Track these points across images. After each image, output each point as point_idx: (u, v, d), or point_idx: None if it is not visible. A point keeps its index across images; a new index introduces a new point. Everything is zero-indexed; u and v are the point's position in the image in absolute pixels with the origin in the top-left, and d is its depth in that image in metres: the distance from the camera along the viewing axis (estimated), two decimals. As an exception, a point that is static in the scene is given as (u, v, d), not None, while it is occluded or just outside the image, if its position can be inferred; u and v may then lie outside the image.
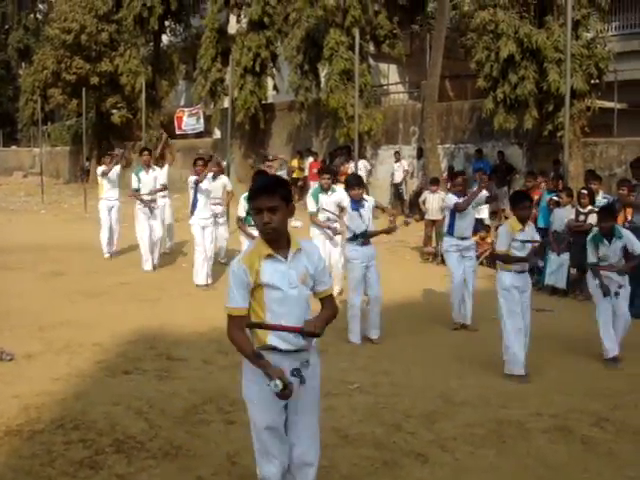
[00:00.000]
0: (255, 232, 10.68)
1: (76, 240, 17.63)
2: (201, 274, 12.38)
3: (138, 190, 14.11)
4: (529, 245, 7.81)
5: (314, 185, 23.62)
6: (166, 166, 16.02)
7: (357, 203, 9.19)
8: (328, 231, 11.38)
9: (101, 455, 5.57)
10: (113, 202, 15.67)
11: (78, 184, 38.51)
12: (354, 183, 9.24)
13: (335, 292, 10.90)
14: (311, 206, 11.37)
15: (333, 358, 8.18)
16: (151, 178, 14.43)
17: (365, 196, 9.43)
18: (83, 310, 10.58)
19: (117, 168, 15.92)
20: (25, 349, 8.38)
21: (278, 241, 4.05)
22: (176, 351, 8.31)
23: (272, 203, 3.95)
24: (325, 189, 11.32)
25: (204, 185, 12.44)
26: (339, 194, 11.06)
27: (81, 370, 7.69)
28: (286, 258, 4.05)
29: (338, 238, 11.37)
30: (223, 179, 14.53)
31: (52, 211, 27.55)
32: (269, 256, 4.03)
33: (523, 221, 7.82)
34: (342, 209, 10.80)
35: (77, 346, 8.56)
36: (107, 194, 15.69)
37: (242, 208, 11.62)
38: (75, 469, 5.35)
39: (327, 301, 4.24)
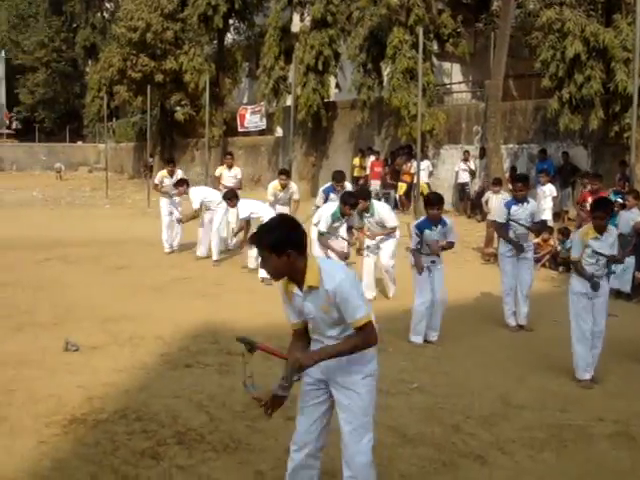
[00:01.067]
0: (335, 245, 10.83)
1: (139, 235, 17.90)
2: None
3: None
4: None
5: (375, 184, 23.74)
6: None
7: (432, 222, 8.84)
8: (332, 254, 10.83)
9: (162, 446, 5.67)
10: (174, 198, 15.87)
11: (141, 180, 39.10)
12: (435, 202, 8.77)
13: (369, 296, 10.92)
14: (322, 226, 10.81)
15: (392, 357, 8.17)
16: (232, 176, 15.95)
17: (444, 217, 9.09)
18: (146, 303, 10.75)
19: (180, 172, 16.38)
20: (90, 341, 8.57)
21: (292, 278, 4.19)
22: (237, 346, 8.33)
23: (262, 253, 4.13)
24: (361, 213, 10.96)
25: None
26: (381, 214, 10.97)
27: (144, 362, 7.82)
28: (302, 292, 4.18)
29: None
30: (292, 188, 14.39)
31: (116, 206, 28.01)
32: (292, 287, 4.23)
33: (599, 229, 7.57)
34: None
35: (140, 339, 8.71)
36: (168, 190, 15.96)
37: (324, 224, 10.81)
38: (137, 459, 5.45)
39: (354, 333, 4.18)
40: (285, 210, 14.03)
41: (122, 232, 19.16)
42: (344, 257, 10.80)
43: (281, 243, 4.04)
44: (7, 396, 6.71)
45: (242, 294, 11.71)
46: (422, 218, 9.14)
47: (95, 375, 7.34)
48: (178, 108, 37.87)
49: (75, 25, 60.21)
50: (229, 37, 37.73)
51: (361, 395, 4.35)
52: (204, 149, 29.48)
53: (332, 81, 28.77)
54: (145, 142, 34.18)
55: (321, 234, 10.81)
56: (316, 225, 10.87)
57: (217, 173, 16.74)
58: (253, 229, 15.25)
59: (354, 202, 10.37)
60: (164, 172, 16.42)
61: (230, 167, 16.53)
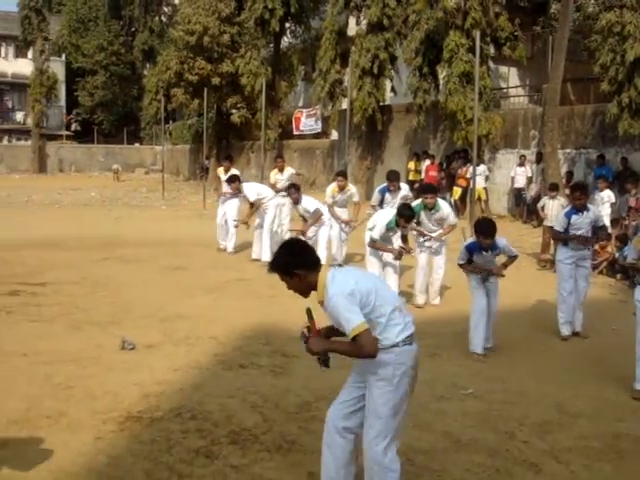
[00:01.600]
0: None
1: (195, 236, 18.09)
2: None
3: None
4: None
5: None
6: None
7: (482, 248, 8.62)
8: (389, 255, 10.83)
9: (217, 445, 5.73)
10: (231, 199, 16.00)
11: (197, 181, 39.46)
12: (488, 233, 8.46)
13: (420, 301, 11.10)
14: (375, 233, 10.56)
15: (446, 363, 8.15)
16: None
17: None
18: (201, 304, 10.86)
19: (234, 171, 16.56)
20: (146, 339, 8.70)
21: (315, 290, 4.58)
22: (291, 348, 8.40)
23: (281, 278, 4.64)
24: (430, 208, 10.97)
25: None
26: (445, 210, 11.07)
27: (198, 362, 7.91)
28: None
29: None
30: (351, 190, 14.16)
31: (172, 207, 28.31)
32: None
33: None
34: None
35: (195, 339, 8.81)
36: (226, 190, 16.11)
37: (378, 232, 10.59)
38: (192, 457, 5.51)
39: (352, 340, 4.35)
40: (344, 213, 14.00)
41: (178, 233, 19.38)
42: (399, 255, 10.63)
43: (287, 267, 4.50)
44: (66, 392, 6.85)
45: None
46: (473, 240, 8.85)
47: (151, 373, 7.45)
48: (234, 111, 38.19)
49: (134, 29, 61.13)
50: (285, 40, 37.97)
51: (373, 396, 4.52)
52: (260, 152, 29.65)
53: (388, 85, 28.72)
54: (201, 144, 34.51)
55: (374, 241, 10.64)
56: (370, 230, 10.74)
57: (272, 180, 16.47)
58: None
59: (411, 215, 10.27)
60: (220, 169, 16.89)
61: (282, 170, 16.38)
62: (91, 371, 7.52)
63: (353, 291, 4.37)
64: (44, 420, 6.17)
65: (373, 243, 10.66)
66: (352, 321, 4.28)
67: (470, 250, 8.72)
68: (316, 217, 13.20)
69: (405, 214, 10.21)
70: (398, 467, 4.62)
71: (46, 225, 21.11)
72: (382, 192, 12.81)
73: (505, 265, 8.89)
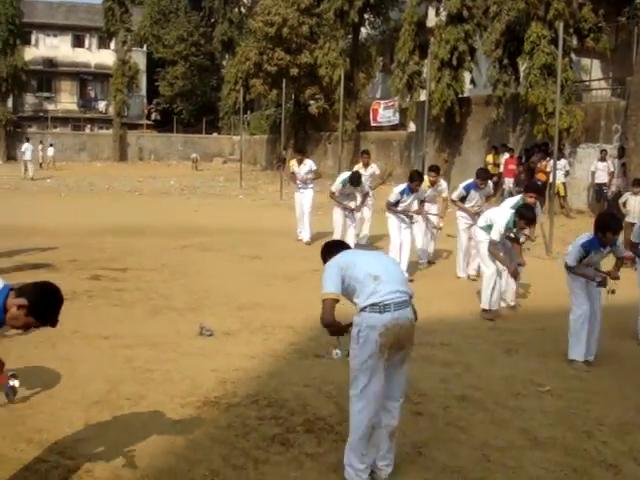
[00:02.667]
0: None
1: (272, 225, 18.26)
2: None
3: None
4: None
5: (508, 182, 23.34)
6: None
7: (603, 245, 7.99)
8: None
9: (292, 433, 5.77)
10: (307, 189, 16.06)
11: (274, 171, 39.71)
12: (617, 229, 7.94)
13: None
14: (495, 235, 9.75)
15: (524, 359, 8.05)
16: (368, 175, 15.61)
17: None
18: (278, 293, 10.95)
19: (309, 162, 16.49)
20: (224, 326, 8.82)
21: None
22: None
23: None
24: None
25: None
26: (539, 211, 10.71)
27: (275, 350, 7.98)
28: None
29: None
30: (441, 185, 13.83)
31: (249, 197, 28.59)
32: None
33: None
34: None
35: (272, 327, 8.90)
36: (300, 180, 16.18)
37: (498, 233, 9.83)
38: (267, 444, 5.57)
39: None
40: (433, 208, 13.80)
41: (255, 222, 19.59)
42: (515, 274, 9.96)
43: (322, 257, 5.44)
44: (145, 376, 7.00)
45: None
46: (589, 236, 8.02)
47: (228, 360, 7.55)
48: (312, 102, 38.34)
49: (213, 20, 61.87)
50: (364, 32, 37.90)
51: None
52: (337, 143, 29.69)
53: (467, 77, 28.42)
54: (279, 135, 34.79)
55: (494, 243, 9.79)
56: (482, 229, 10.25)
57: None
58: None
59: (533, 218, 9.62)
60: (294, 160, 16.85)
61: (366, 166, 15.94)
62: (170, 356, 7.66)
63: (339, 262, 5.08)
64: (124, 402, 6.32)
65: (493, 246, 9.79)
66: (323, 288, 5.01)
67: (587, 248, 7.93)
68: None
69: (527, 216, 9.51)
70: (363, 419, 4.93)
71: (126, 212, 21.59)
72: (467, 189, 12.39)
73: (618, 268, 8.27)
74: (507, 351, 8.27)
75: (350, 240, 13.77)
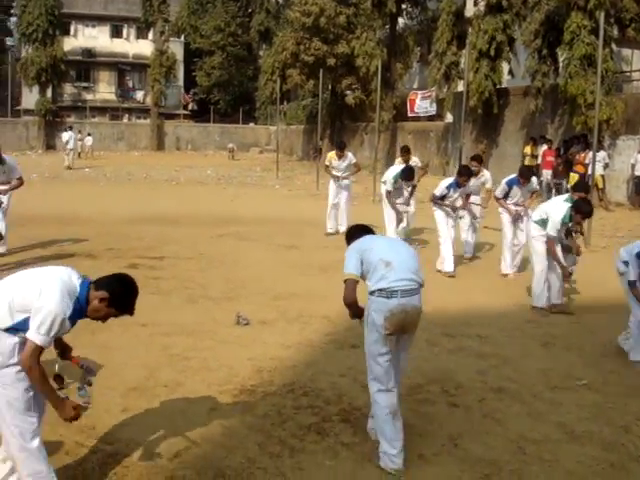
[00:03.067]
0: None
1: (307, 215, 18.26)
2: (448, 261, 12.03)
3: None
4: None
5: (546, 174, 23.12)
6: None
7: None
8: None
9: (328, 422, 5.80)
10: (343, 181, 16.00)
11: (310, 162, 39.74)
12: None
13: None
14: (553, 230, 9.47)
15: (561, 352, 7.99)
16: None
17: None
18: (314, 283, 10.96)
19: (350, 156, 16.29)
20: (260, 316, 8.86)
21: None
22: (402, 329, 8.43)
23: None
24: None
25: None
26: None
27: (311, 340, 8.02)
28: None
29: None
30: (485, 175, 13.57)
31: (285, 187, 28.62)
32: None
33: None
34: None
35: (308, 317, 8.92)
36: (337, 172, 16.06)
37: (555, 229, 9.53)
38: (303, 433, 5.60)
39: None
40: (476, 199, 13.53)
41: (291, 212, 19.62)
42: (567, 276, 9.75)
43: (346, 240, 5.85)
44: (183, 363, 7.07)
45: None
46: None
47: (264, 349, 7.59)
48: (349, 92, 38.28)
49: (250, 10, 62.01)
50: (401, 22, 37.73)
51: None
52: (373, 133, 29.63)
53: (505, 67, 28.22)
54: (315, 125, 34.77)
55: (552, 239, 9.45)
56: (537, 223, 9.84)
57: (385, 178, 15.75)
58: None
59: (590, 211, 9.40)
60: (333, 154, 16.35)
61: (406, 162, 15.09)
62: (207, 344, 7.73)
63: (359, 246, 5.46)
64: (162, 389, 6.39)
65: (550, 241, 9.50)
66: (345, 269, 5.38)
67: None
68: None
69: (586, 210, 9.26)
70: (383, 407, 5.16)
71: (164, 201, 21.75)
72: (510, 184, 11.95)
73: None
74: (544, 344, 8.21)
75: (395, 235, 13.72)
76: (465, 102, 22.68)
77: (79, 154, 43.20)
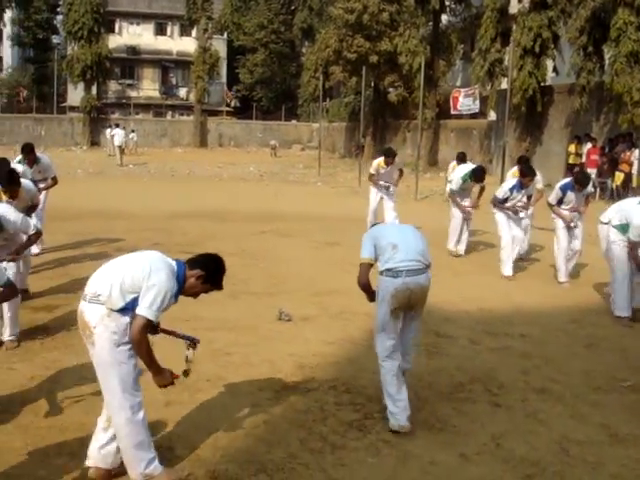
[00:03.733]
0: None
1: (349, 212, 18.24)
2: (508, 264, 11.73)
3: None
4: None
5: (591, 173, 22.82)
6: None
7: None
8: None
9: (370, 419, 5.81)
10: (389, 189, 15.67)
11: (352, 159, 39.69)
12: None
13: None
14: (635, 234, 9.01)
15: (604, 353, 7.90)
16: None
17: None
18: (355, 280, 10.90)
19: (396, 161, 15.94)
20: (302, 312, 8.90)
21: None
22: (445, 328, 8.39)
23: None
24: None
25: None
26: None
27: (353, 337, 8.03)
28: None
29: None
30: (536, 176, 12.63)
31: (327, 184, 28.64)
32: None
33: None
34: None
35: (350, 314, 8.91)
36: (382, 179, 15.68)
37: (637, 232, 9.06)
38: (345, 429, 5.62)
39: None
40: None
41: (333, 209, 19.66)
42: None
43: None
44: (225, 358, 7.13)
45: (455, 276, 11.64)
46: None
47: (306, 345, 7.63)
48: (391, 89, 38.19)
49: (293, 7, 62.14)
50: (444, 19, 37.53)
51: None
52: (416, 131, 29.53)
53: (549, 64, 27.94)
54: (357, 122, 34.78)
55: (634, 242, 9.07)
56: (616, 228, 9.47)
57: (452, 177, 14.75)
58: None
59: None
60: (381, 161, 15.19)
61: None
62: (249, 339, 7.78)
63: (372, 233, 6.04)
64: (204, 383, 6.43)
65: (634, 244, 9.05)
66: (361, 254, 5.92)
67: None
68: None
69: None
70: (388, 370, 5.78)
71: (206, 197, 21.91)
72: (564, 189, 11.24)
73: None
74: (588, 345, 8.13)
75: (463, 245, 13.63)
76: (509, 100, 22.50)
77: (122, 150, 43.61)
